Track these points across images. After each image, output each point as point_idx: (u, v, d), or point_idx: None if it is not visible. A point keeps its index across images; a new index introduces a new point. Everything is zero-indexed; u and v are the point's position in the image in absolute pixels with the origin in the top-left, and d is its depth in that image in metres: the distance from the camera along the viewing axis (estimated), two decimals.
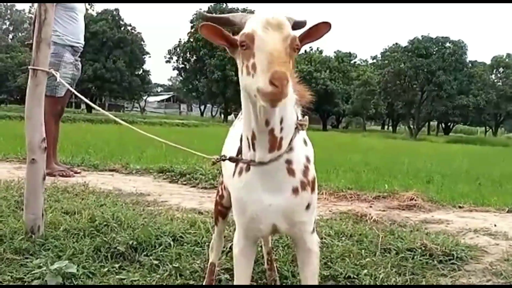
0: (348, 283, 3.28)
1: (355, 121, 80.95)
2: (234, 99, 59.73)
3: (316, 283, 2.41)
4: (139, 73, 65.61)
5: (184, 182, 6.68)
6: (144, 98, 79.49)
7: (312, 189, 2.26)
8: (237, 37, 1.99)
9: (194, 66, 64.17)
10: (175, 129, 27.68)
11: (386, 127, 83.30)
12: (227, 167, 2.45)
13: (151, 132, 4.14)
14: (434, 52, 61.48)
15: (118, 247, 3.66)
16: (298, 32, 2.03)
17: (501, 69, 72.10)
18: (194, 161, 7.54)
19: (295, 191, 2.20)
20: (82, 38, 6.84)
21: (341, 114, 71.58)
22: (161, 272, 3.38)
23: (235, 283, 2.46)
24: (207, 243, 3.74)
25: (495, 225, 4.61)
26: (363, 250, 3.68)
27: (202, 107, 79.03)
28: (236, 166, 2.27)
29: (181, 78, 71.95)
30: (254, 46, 1.89)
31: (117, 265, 3.49)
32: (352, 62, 71.44)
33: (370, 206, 5.47)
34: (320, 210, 5.16)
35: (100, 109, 4.33)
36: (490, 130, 77.83)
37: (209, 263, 3.25)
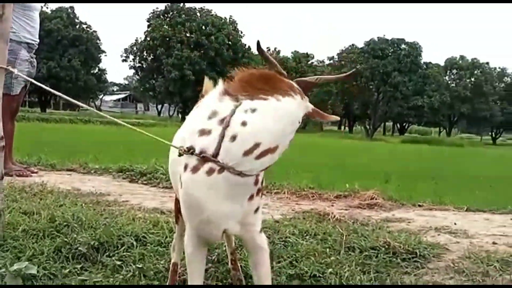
0: (314, 282, 3.29)
1: (312, 122, 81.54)
2: (192, 99, 59.53)
3: (269, 280, 2.47)
4: (95, 72, 64.78)
5: (145, 182, 6.61)
6: (100, 97, 78.61)
7: (261, 194, 2.38)
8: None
9: (151, 65, 63.66)
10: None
11: (342, 127, 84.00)
12: (180, 158, 2.32)
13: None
14: (390, 54, 62.56)
15: (79, 248, 3.59)
16: None
17: (454, 71, 73.78)
18: (154, 160, 7.44)
19: (250, 197, 2.27)
20: (37, 35, 6.73)
21: None
22: (124, 273, 3.32)
23: (189, 283, 2.46)
24: (170, 243, 3.70)
25: (455, 223, 4.68)
26: (327, 249, 3.69)
27: (160, 107, 78.37)
28: (203, 162, 2.18)
29: (137, 77, 71.38)
30: None
31: (78, 266, 3.42)
32: (309, 63, 71.71)
33: (332, 205, 5.50)
34: (283, 209, 5.17)
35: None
36: (444, 130, 79.34)
37: (171, 263, 3.22)
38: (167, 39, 59.86)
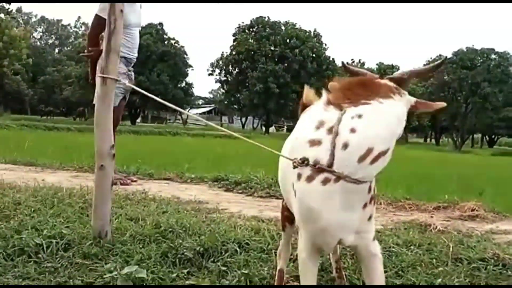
0: None
1: None
2: (276, 111, 59.96)
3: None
4: (182, 86, 66.16)
5: (240, 191, 6.67)
6: (187, 110, 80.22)
7: (374, 202, 2.37)
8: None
9: (236, 78, 64.58)
10: (219, 140, 27.78)
11: (429, 139, 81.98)
12: (291, 167, 2.33)
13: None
14: (479, 64, 60.67)
15: (185, 253, 3.67)
16: None
17: None
18: (248, 169, 7.52)
19: (364, 206, 2.27)
20: (135, 51, 6.92)
21: None
22: (230, 278, 3.37)
23: None
24: (273, 250, 3.74)
25: None
26: (434, 260, 3.61)
27: (244, 119, 79.10)
28: (317, 172, 2.19)
29: (223, 90, 72.51)
30: None
31: (185, 271, 3.49)
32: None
33: (432, 216, 5.37)
34: (382, 219, 5.10)
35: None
36: None
37: (277, 270, 3.23)
38: (252, 52, 60.63)
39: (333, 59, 63.22)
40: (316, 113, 2.34)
